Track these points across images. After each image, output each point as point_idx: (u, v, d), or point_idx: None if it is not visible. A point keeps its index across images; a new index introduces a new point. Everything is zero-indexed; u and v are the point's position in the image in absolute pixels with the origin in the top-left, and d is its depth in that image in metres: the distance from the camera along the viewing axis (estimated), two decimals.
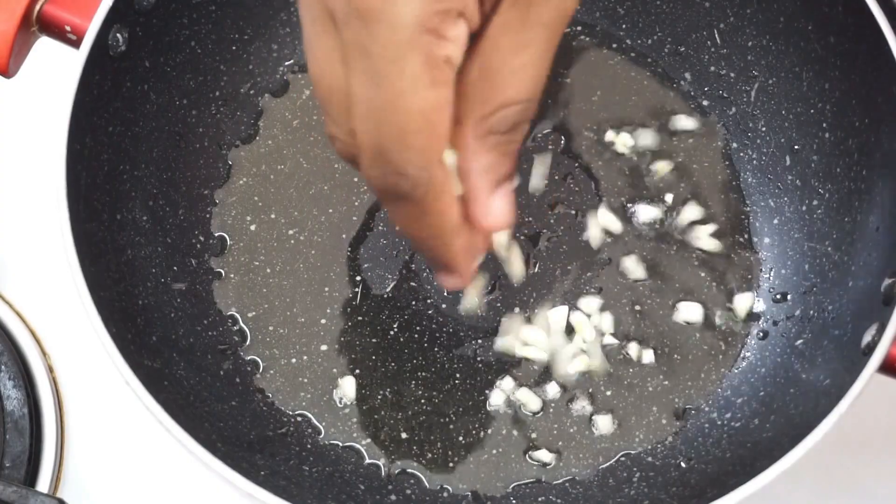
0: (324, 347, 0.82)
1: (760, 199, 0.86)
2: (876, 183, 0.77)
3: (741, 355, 0.82)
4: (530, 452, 0.79)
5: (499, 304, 0.83)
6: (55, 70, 0.77)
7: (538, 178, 0.86)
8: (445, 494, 0.79)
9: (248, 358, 0.82)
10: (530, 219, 0.85)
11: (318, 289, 0.84)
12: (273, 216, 0.85)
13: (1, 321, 0.87)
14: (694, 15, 0.88)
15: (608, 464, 0.79)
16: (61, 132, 0.73)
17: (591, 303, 0.83)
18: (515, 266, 0.80)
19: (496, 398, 0.81)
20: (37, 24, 0.78)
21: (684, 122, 0.88)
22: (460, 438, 0.80)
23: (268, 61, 0.89)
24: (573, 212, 0.85)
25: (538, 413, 0.81)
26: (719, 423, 0.80)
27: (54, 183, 0.72)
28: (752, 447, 0.76)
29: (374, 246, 0.85)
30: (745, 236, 0.85)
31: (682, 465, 0.78)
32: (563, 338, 0.82)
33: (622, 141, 0.87)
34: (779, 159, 0.86)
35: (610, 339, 0.82)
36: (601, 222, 0.85)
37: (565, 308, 0.82)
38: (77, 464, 0.85)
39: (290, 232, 0.85)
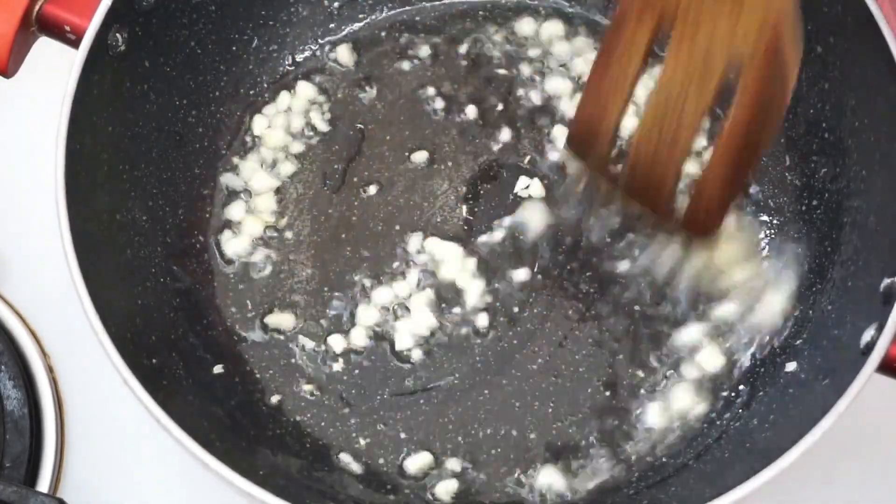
0: (324, 347, 0.82)
1: (761, 199, 0.86)
2: (876, 183, 0.77)
3: (741, 355, 0.82)
4: (528, 451, 0.79)
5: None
6: (55, 70, 0.77)
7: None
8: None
9: (248, 358, 0.82)
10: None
11: (318, 288, 0.84)
12: (273, 216, 0.86)
13: (1, 321, 0.87)
14: None
15: (608, 464, 0.79)
16: (61, 132, 0.73)
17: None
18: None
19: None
20: (36, 24, 0.78)
21: None
22: (459, 439, 0.80)
23: (268, 61, 0.89)
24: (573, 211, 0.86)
25: (536, 411, 0.81)
26: (719, 423, 0.79)
27: (54, 183, 0.72)
28: (751, 447, 0.75)
29: (374, 246, 0.85)
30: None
31: (682, 465, 0.78)
32: None
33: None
34: (779, 159, 0.86)
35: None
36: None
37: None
38: (77, 464, 0.85)
39: (289, 234, 0.85)
